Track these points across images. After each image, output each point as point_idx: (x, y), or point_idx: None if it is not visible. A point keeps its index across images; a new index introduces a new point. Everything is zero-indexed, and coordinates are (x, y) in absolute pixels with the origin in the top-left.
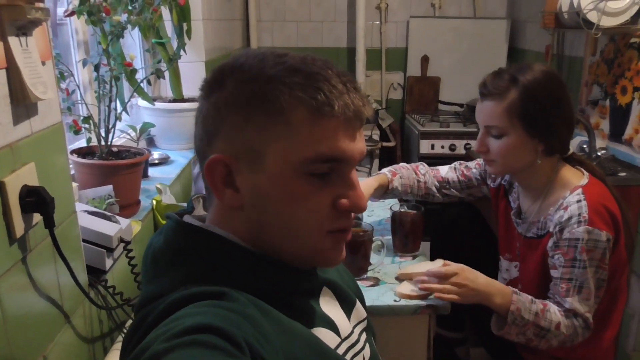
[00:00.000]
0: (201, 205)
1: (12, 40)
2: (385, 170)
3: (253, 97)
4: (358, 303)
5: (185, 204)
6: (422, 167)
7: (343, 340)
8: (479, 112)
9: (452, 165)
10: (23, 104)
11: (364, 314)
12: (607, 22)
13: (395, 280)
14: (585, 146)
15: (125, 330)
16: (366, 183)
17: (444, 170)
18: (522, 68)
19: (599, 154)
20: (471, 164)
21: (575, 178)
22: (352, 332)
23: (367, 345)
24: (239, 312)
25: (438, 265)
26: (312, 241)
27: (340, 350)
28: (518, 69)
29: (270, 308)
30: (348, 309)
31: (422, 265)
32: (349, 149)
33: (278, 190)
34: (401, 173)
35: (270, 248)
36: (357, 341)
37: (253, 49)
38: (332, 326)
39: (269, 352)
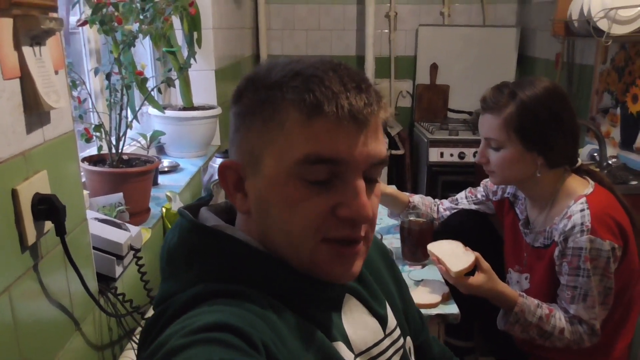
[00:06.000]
0: (223, 192)
1: (26, 50)
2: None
3: (256, 104)
4: (388, 309)
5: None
6: (436, 200)
7: (357, 355)
8: (480, 124)
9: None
10: (36, 112)
11: (393, 323)
12: (618, 30)
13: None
14: (596, 154)
15: (134, 338)
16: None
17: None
18: (523, 83)
19: (609, 162)
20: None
21: (580, 187)
22: (375, 345)
23: (395, 356)
24: (257, 313)
25: (457, 247)
26: (307, 249)
27: None
28: (519, 84)
29: (286, 310)
30: (379, 317)
31: (444, 245)
32: (346, 151)
33: (275, 195)
34: (421, 195)
35: (280, 256)
36: (382, 353)
37: (276, 59)
38: (345, 340)
39: (285, 355)
